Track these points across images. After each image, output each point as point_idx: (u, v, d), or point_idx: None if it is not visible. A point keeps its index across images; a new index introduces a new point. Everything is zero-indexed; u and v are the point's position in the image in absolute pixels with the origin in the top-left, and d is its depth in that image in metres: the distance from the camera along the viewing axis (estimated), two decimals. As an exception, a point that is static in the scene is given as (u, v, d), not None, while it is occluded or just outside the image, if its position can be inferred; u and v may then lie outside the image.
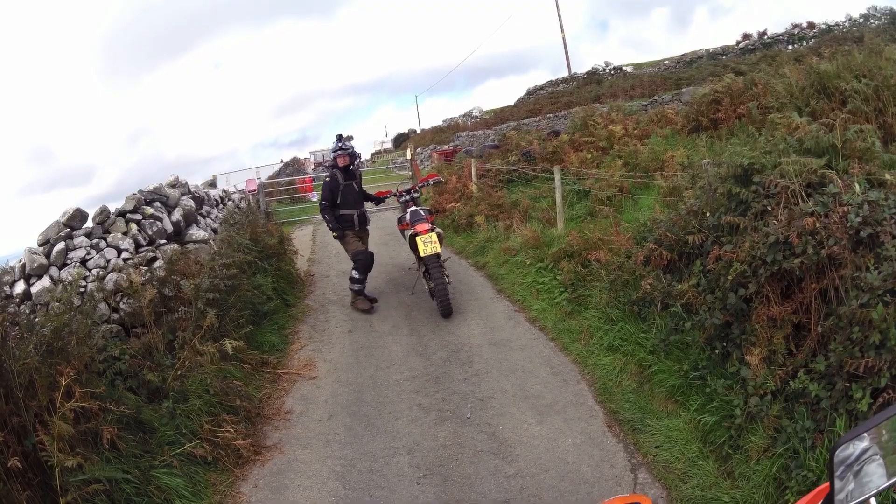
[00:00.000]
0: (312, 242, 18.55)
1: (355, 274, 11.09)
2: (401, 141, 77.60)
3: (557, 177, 12.78)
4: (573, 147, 18.05)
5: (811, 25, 39.09)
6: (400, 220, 11.68)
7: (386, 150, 79.80)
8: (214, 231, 13.76)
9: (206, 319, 7.75)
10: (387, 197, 12.39)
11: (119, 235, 10.11)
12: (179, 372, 7.22)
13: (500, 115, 48.07)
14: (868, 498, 1.86)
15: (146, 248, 10.30)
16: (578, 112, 24.12)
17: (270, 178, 48.80)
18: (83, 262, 9.70)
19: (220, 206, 18.36)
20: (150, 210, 10.61)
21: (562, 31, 54.00)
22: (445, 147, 41.92)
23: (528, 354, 8.62)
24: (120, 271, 9.11)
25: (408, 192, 11.83)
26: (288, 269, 12.92)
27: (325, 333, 10.39)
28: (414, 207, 11.18)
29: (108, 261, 9.77)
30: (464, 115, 62.77)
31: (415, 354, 9.10)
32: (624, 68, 48.41)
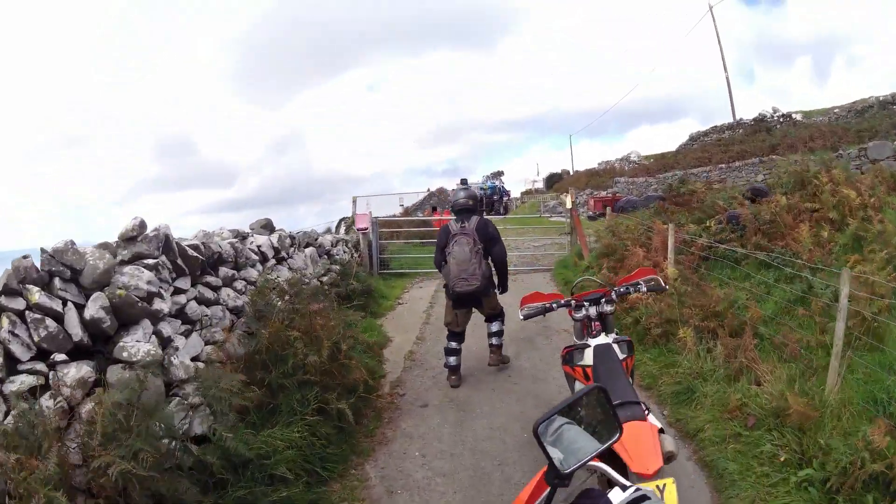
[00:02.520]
0: (430, 306, 14.15)
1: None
2: (553, 182, 73.19)
3: (845, 292, 6.43)
4: (792, 215, 12.17)
5: None
6: (569, 360, 5.72)
7: (537, 191, 75.15)
8: (235, 313, 7.89)
9: None
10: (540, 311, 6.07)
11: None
12: None
13: (662, 162, 43.59)
14: (587, 461, 2.35)
15: (23, 370, 4.74)
16: (784, 165, 18.11)
17: (414, 205, 44.98)
18: None
19: (324, 255, 13.74)
20: (35, 297, 4.85)
21: (725, 70, 50.71)
22: (604, 193, 37.65)
23: None
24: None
25: (595, 300, 5.79)
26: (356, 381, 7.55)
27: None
28: (605, 342, 5.40)
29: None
30: (621, 160, 58.66)
31: None
32: (793, 115, 42.51)
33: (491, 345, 9.35)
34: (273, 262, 9.86)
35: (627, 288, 6.13)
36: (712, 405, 7.30)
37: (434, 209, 42.45)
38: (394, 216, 31.29)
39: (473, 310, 9.13)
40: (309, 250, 12.31)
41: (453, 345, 8.92)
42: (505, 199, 58.29)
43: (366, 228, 17.14)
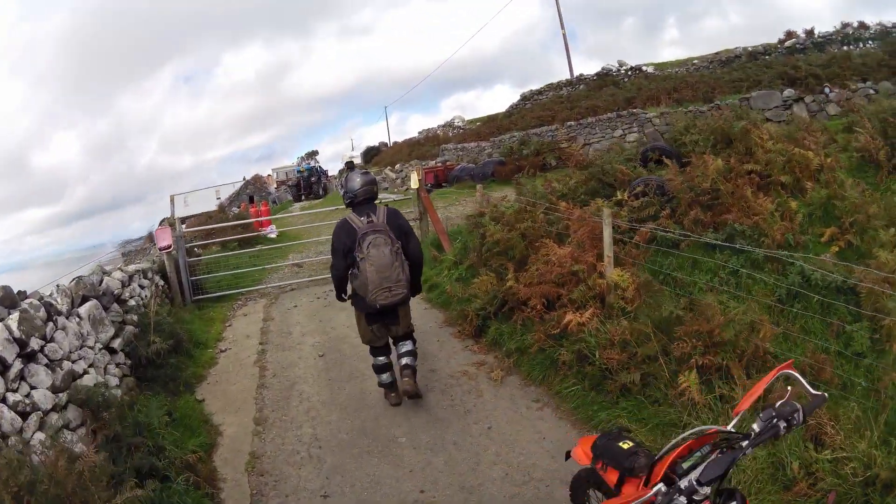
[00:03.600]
0: (262, 352, 10.77)
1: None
2: (371, 155, 71.32)
3: None
4: (729, 181, 10.28)
5: (863, 26, 35.00)
6: None
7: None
8: None
9: None
10: None
11: None
12: None
13: (494, 125, 41.74)
14: None
15: None
16: (684, 118, 16.55)
17: (230, 198, 43.27)
18: None
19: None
20: None
21: (562, 27, 48.17)
22: (433, 163, 35.66)
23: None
24: None
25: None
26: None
27: None
28: None
29: None
30: (444, 126, 57.29)
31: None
32: (644, 68, 41.52)
33: (406, 366, 7.80)
34: (18, 366, 6.04)
35: (766, 424, 3.34)
36: (762, 481, 5.21)
37: (251, 199, 40.23)
38: (211, 213, 28.01)
39: None
40: (87, 308, 8.24)
41: (381, 359, 7.92)
42: (323, 179, 56.55)
43: (169, 247, 13.48)
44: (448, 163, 35.04)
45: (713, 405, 6.10)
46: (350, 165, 11.91)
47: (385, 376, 7.93)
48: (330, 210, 21.49)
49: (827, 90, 23.40)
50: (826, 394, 3.63)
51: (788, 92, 23.98)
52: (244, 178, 58.73)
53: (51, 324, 6.90)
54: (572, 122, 30.27)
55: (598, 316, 7.94)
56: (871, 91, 22.06)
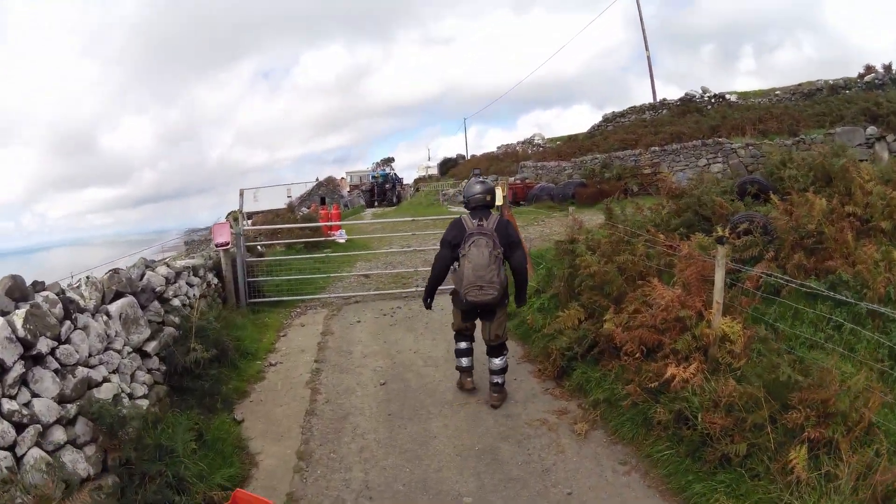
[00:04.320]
0: (316, 371, 9.81)
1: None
2: (448, 167, 71.35)
3: None
4: (832, 223, 9.43)
5: None
6: None
7: (430, 177, 72.61)
8: None
9: None
10: None
11: None
12: None
13: (575, 145, 41.73)
14: None
15: None
16: (778, 151, 15.62)
17: (301, 197, 43.42)
18: None
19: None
20: None
21: (646, 49, 49.16)
22: (512, 179, 34.25)
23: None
24: None
25: None
26: None
27: None
28: None
29: None
30: (524, 143, 57.04)
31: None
32: (727, 96, 40.96)
33: (495, 384, 8.24)
34: (19, 369, 5.22)
35: None
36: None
37: (322, 201, 40.13)
38: (279, 211, 28.05)
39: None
40: (119, 305, 7.46)
41: (463, 345, 8.52)
42: (398, 187, 56.46)
43: (227, 243, 12.70)
44: (527, 180, 34.69)
45: (818, 484, 5.35)
46: (476, 172, 11.93)
47: (465, 360, 8.50)
48: (405, 220, 20.83)
49: None
50: None
51: (871, 129, 23.62)
52: (317, 179, 58.96)
53: (68, 322, 6.08)
54: (656, 148, 29.92)
55: (704, 372, 7.06)
56: None
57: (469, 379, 8.52)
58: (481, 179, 8.53)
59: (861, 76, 37.01)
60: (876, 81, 35.15)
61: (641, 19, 49.50)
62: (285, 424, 7.82)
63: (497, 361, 8.15)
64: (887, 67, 36.18)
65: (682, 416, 6.68)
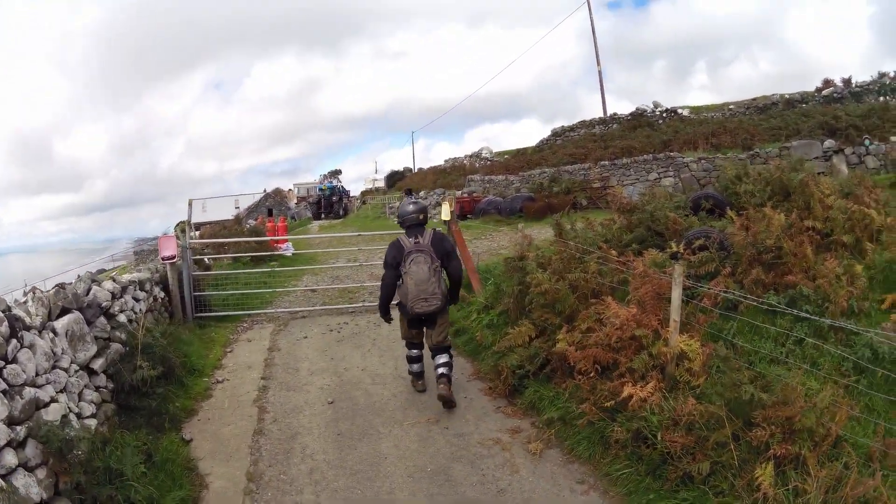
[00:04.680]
0: (263, 388, 9.63)
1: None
2: (395, 180, 71.23)
3: None
4: (791, 238, 9.48)
5: None
6: None
7: (377, 190, 72.46)
8: None
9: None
10: None
11: None
12: None
13: (524, 159, 41.73)
14: None
15: None
16: (733, 166, 15.64)
17: (248, 209, 43.82)
18: None
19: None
20: None
21: (598, 63, 49.58)
22: (459, 193, 35.21)
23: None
24: None
25: None
26: None
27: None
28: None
29: None
30: (471, 156, 56.84)
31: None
32: (679, 111, 41.35)
33: (441, 375, 8.70)
34: None
35: None
36: None
37: (270, 213, 40.04)
38: (226, 223, 27.68)
39: None
40: (66, 321, 7.22)
41: (415, 352, 9.15)
42: (345, 199, 56.25)
43: (173, 257, 12.47)
44: (474, 194, 34.58)
45: (785, 499, 5.45)
46: (408, 192, 12.11)
47: (416, 366, 9.15)
48: (352, 234, 20.73)
49: (867, 142, 23.28)
50: None
51: (829, 142, 23.84)
52: (265, 191, 58.91)
53: (14, 341, 5.80)
54: (606, 162, 30.05)
55: (661, 390, 7.08)
56: None
57: (420, 381, 9.21)
58: (413, 200, 9.25)
59: (819, 90, 37.49)
60: (835, 95, 35.64)
61: (594, 33, 50.15)
62: (234, 444, 7.64)
63: (442, 359, 8.68)
64: (847, 81, 36.80)
65: (640, 434, 6.65)
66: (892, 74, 35.48)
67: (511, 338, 9.18)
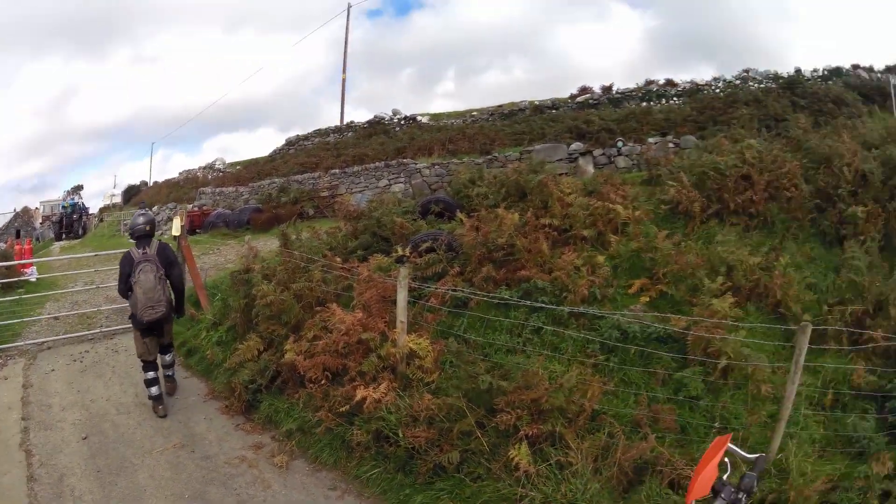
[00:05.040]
0: (24, 429, 9.00)
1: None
2: (132, 195, 68.43)
3: (802, 348, 6.37)
4: (526, 235, 10.00)
5: (671, 83, 35.45)
6: None
7: (115, 206, 69.73)
8: None
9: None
10: None
11: None
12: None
13: (255, 169, 40.99)
14: None
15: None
16: (469, 170, 15.99)
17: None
18: None
19: None
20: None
21: (344, 71, 48.82)
22: (191, 207, 33.70)
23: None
24: None
25: None
26: None
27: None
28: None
29: None
30: (205, 168, 54.93)
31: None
32: (419, 118, 41.20)
33: (168, 376, 9.94)
34: None
35: (730, 499, 3.63)
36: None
37: (17, 234, 38.30)
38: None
39: None
40: None
41: (151, 374, 9.21)
42: (84, 217, 54.02)
43: None
44: (205, 207, 33.59)
45: (551, 473, 5.99)
46: (142, 205, 12.23)
47: (154, 389, 9.18)
48: (88, 255, 19.84)
49: (620, 143, 24.15)
50: (763, 454, 4.19)
51: (577, 145, 24.55)
52: (14, 210, 56.25)
53: None
54: (336, 171, 30.26)
55: (395, 390, 7.32)
56: (672, 145, 22.85)
57: (161, 406, 9.21)
58: (143, 212, 9.99)
59: (573, 97, 37.77)
60: (590, 101, 36.07)
61: (346, 41, 49.64)
62: (14, 496, 7.26)
63: (167, 358, 9.73)
64: (606, 88, 37.23)
65: (381, 434, 6.87)
66: (661, 82, 36.15)
67: (240, 353, 9.34)
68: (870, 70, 33.57)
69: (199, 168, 55.51)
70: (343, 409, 7.31)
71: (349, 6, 48.76)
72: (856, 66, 33.58)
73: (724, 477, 3.71)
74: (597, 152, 23.82)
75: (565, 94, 38.05)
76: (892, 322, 8.52)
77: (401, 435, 6.62)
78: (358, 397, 7.13)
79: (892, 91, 29.52)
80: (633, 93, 35.35)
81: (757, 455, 3.89)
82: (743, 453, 3.85)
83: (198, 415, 8.97)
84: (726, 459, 3.75)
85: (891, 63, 35.63)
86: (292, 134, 46.50)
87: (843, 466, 6.56)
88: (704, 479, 3.56)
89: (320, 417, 7.56)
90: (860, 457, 6.72)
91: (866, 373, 7.88)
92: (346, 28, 49.34)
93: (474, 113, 41.07)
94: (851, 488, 6.07)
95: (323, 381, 7.91)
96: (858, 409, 7.49)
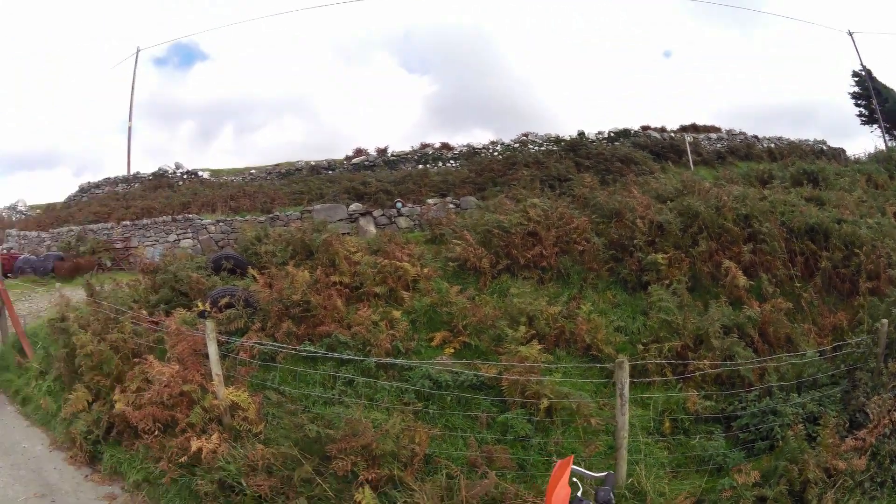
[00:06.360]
0: None
1: None
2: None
3: (624, 382, 7.09)
4: (319, 292, 10.42)
5: (447, 146, 37.38)
6: None
7: None
8: None
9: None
10: None
11: None
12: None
13: (54, 215, 39.05)
14: None
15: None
16: (253, 229, 16.26)
17: None
18: None
19: None
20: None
21: (130, 119, 47.96)
22: (2, 249, 31.98)
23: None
24: None
25: None
26: None
27: None
28: None
29: None
30: (8, 208, 50.82)
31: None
32: (200, 173, 41.36)
33: None
34: None
35: None
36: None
37: None
38: None
39: None
40: None
41: None
42: None
43: None
44: (13, 251, 31.74)
45: None
46: None
47: None
48: None
49: (399, 204, 24.45)
50: (611, 472, 4.28)
51: (356, 206, 24.71)
52: None
53: None
54: (127, 223, 29.49)
55: (227, 440, 7.41)
56: (452, 206, 23.27)
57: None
58: None
59: (349, 158, 38.27)
60: (366, 163, 36.67)
61: (133, 88, 48.26)
62: None
63: None
64: (381, 150, 37.76)
65: (225, 484, 6.86)
66: (437, 145, 37.27)
67: (71, 403, 9.05)
68: (661, 130, 35.59)
69: (4, 208, 52.67)
70: (182, 459, 7.28)
71: (138, 50, 47.94)
72: (645, 128, 35.56)
73: (579, 494, 3.96)
74: (377, 213, 24.16)
75: (340, 156, 38.75)
76: (716, 353, 9.28)
77: (244, 484, 6.71)
78: (193, 448, 7.13)
79: (688, 147, 31.48)
80: (409, 155, 36.50)
81: (605, 472, 4.15)
82: (590, 473, 4.15)
83: (48, 465, 8.62)
84: (575, 480, 4.04)
85: (686, 123, 38.65)
86: (84, 179, 44.55)
87: (703, 483, 7.27)
88: (559, 498, 3.77)
89: (163, 468, 7.46)
90: (719, 472, 7.36)
91: (702, 399, 8.66)
92: (134, 73, 48.31)
93: (252, 171, 41.25)
94: (719, 500, 6.77)
95: (156, 432, 7.80)
96: (702, 432, 8.24)
